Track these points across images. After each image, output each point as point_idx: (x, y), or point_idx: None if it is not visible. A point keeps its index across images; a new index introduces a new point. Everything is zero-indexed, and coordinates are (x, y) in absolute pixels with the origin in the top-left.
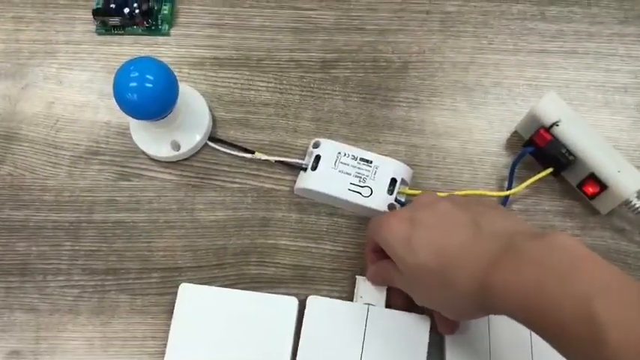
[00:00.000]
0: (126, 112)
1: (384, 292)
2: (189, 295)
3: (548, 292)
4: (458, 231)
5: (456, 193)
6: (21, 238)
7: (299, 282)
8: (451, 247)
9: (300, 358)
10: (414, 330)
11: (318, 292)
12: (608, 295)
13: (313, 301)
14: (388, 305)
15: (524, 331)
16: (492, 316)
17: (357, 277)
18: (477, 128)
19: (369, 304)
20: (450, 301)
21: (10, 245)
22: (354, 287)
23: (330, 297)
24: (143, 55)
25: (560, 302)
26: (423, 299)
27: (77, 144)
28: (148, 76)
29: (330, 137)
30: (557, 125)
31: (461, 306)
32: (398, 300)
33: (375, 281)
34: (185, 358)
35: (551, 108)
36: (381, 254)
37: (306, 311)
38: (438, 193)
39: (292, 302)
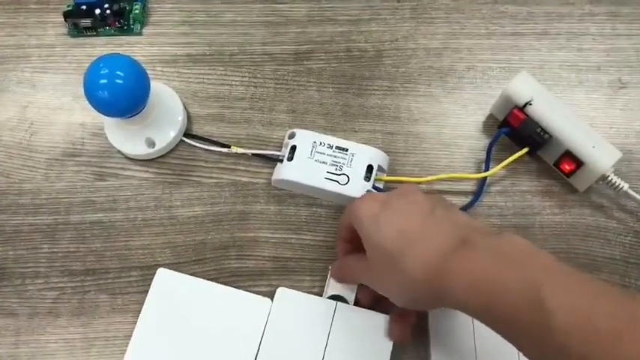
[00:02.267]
0: (98, 110)
1: (355, 285)
2: (166, 281)
3: (500, 280)
4: (420, 216)
5: (434, 177)
6: None
7: (280, 274)
8: (410, 230)
9: (263, 348)
10: (380, 330)
11: (299, 283)
12: (556, 282)
13: (282, 293)
14: (356, 301)
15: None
16: None
17: (330, 267)
18: (452, 113)
19: (337, 301)
20: (402, 286)
21: None
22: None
23: (312, 287)
24: None
25: (512, 288)
26: (379, 284)
27: (53, 147)
28: (118, 73)
29: (306, 128)
30: (530, 104)
31: (413, 291)
32: (367, 296)
33: (337, 276)
34: (152, 342)
35: (524, 87)
36: (350, 244)
37: (274, 302)
38: (423, 179)
39: (265, 303)
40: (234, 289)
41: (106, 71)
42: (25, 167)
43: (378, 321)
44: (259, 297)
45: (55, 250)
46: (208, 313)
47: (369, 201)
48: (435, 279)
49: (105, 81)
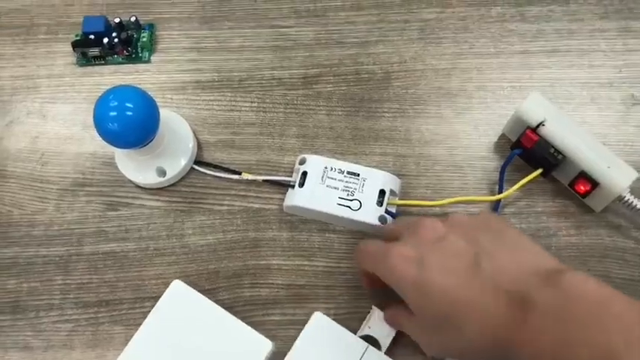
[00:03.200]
0: (107, 142)
1: (393, 333)
2: (178, 293)
3: (572, 348)
4: (464, 273)
5: (448, 200)
6: (11, 276)
7: (294, 301)
8: (458, 293)
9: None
10: None
11: (313, 311)
12: (633, 347)
13: (318, 318)
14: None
15: None
16: None
17: (373, 307)
18: (463, 134)
19: (369, 343)
20: (463, 351)
21: (0, 283)
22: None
23: (327, 314)
24: (125, 83)
25: (584, 356)
26: (434, 347)
27: (64, 177)
28: (127, 105)
29: (316, 153)
30: (543, 125)
31: (475, 356)
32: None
33: (391, 324)
34: (148, 349)
35: (536, 108)
36: (375, 276)
37: (307, 324)
38: (436, 202)
39: (266, 345)
40: (241, 322)
41: (116, 103)
42: (36, 198)
43: None
44: (262, 337)
45: (68, 281)
46: (208, 338)
47: (400, 261)
48: (499, 348)
49: (115, 113)
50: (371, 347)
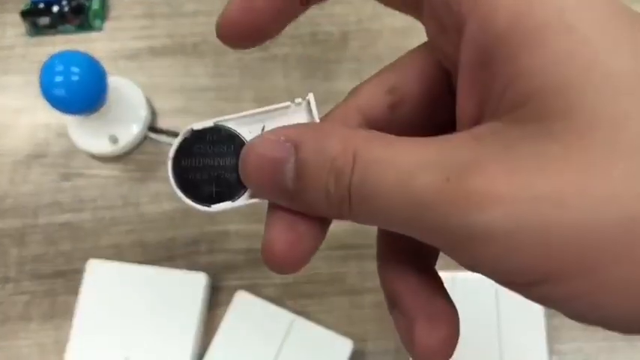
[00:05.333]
0: (56, 108)
1: None
2: (98, 271)
3: None
4: None
5: None
6: None
7: (252, 266)
8: None
9: (213, 348)
10: (333, 352)
11: (271, 274)
12: None
13: (241, 296)
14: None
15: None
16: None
17: None
18: None
19: (296, 315)
20: None
21: None
22: None
23: (285, 277)
24: None
25: None
26: None
27: (17, 149)
28: (73, 69)
29: None
30: None
31: None
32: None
33: None
34: (92, 334)
35: None
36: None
37: (231, 304)
38: None
39: (200, 278)
40: (167, 269)
41: (61, 68)
42: None
43: (332, 342)
44: (193, 273)
45: (24, 254)
46: (145, 297)
47: None
48: None
49: (60, 78)
50: (298, 317)
